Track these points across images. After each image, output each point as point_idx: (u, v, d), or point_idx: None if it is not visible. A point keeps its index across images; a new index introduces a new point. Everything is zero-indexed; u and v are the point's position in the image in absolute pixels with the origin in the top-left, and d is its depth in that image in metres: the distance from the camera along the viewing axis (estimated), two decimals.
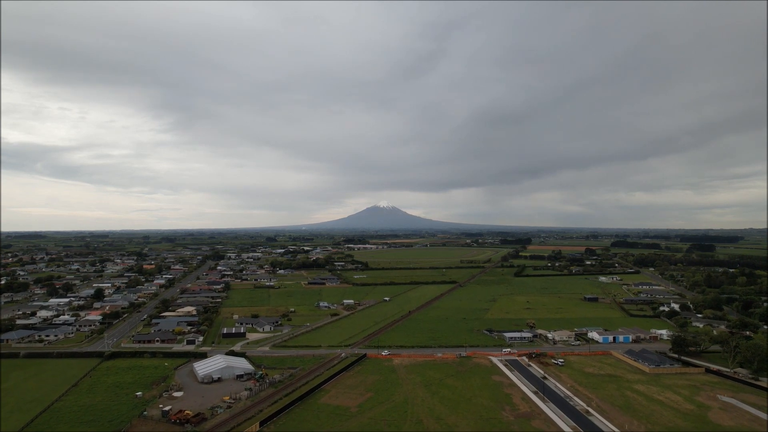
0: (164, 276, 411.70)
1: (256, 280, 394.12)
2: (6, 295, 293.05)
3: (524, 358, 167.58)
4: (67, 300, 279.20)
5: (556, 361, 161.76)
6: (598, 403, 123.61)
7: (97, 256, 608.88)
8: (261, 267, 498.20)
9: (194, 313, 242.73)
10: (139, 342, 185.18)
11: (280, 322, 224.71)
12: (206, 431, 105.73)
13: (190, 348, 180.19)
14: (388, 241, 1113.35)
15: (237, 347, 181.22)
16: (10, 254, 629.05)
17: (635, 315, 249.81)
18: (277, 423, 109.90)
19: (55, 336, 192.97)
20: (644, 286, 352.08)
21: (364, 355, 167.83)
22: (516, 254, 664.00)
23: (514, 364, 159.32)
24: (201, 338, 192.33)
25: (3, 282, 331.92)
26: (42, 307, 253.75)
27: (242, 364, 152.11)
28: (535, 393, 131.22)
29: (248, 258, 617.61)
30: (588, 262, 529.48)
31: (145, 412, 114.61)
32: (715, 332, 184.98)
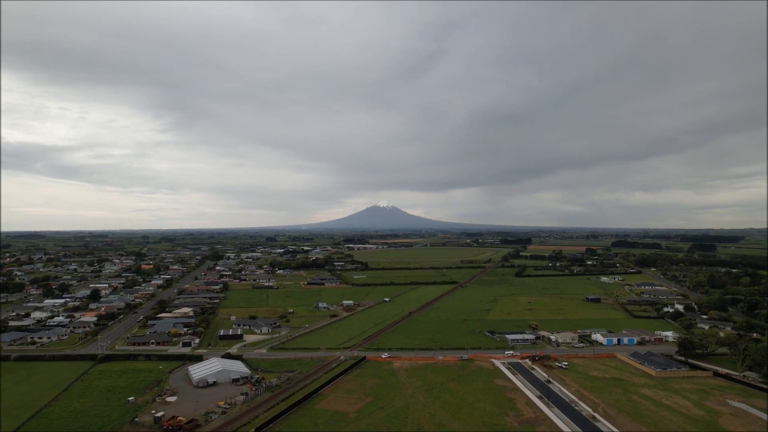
0: (162, 276, 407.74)
1: (254, 280, 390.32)
2: (1, 295, 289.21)
3: (527, 360, 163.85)
4: (62, 301, 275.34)
5: (559, 364, 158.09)
6: (605, 408, 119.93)
7: (96, 256, 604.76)
8: (260, 267, 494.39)
9: (191, 314, 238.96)
10: (134, 344, 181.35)
11: (278, 324, 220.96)
12: None
13: (186, 350, 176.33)
14: (388, 241, 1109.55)
15: (233, 350, 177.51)
16: (8, 254, 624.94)
17: (639, 316, 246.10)
18: (273, 429, 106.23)
19: (48, 338, 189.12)
20: (647, 287, 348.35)
21: (364, 357, 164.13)
22: (516, 254, 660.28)
23: (516, 367, 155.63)
24: (197, 340, 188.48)
25: None
26: (36, 308, 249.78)
27: (238, 368, 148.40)
28: (540, 397, 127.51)
29: (247, 258, 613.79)
30: (589, 262, 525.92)
31: (136, 418, 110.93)
32: (722, 334, 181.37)
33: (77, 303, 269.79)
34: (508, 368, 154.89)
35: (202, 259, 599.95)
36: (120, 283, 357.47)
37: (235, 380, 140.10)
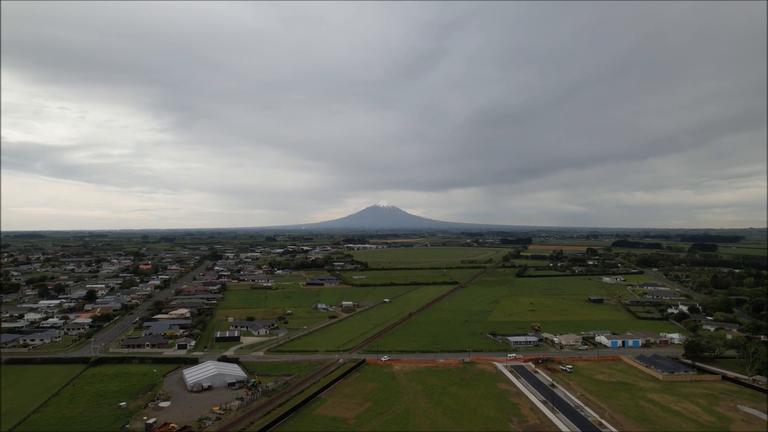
0: (160, 276, 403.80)
1: (253, 280, 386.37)
2: None
3: (530, 363, 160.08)
4: (57, 302, 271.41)
5: (564, 367, 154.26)
6: (612, 413, 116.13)
7: (94, 256, 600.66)
8: (259, 267, 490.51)
9: (188, 315, 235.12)
10: (128, 346, 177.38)
11: (276, 325, 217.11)
12: None
13: (182, 353, 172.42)
14: (388, 241, 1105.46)
15: (230, 352, 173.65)
16: (6, 254, 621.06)
17: (643, 317, 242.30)
18: None
19: (41, 340, 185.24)
20: (649, 287, 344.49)
21: (363, 360, 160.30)
22: (517, 254, 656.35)
23: (520, 371, 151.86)
24: (193, 342, 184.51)
25: None
26: (31, 310, 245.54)
27: (234, 371, 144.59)
28: (544, 402, 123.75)
29: (246, 258, 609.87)
30: (590, 263, 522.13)
31: (127, 425, 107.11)
32: (729, 336, 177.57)
33: (72, 304, 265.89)
34: (511, 371, 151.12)
35: (200, 259, 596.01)
36: (117, 284, 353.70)
37: (231, 384, 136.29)
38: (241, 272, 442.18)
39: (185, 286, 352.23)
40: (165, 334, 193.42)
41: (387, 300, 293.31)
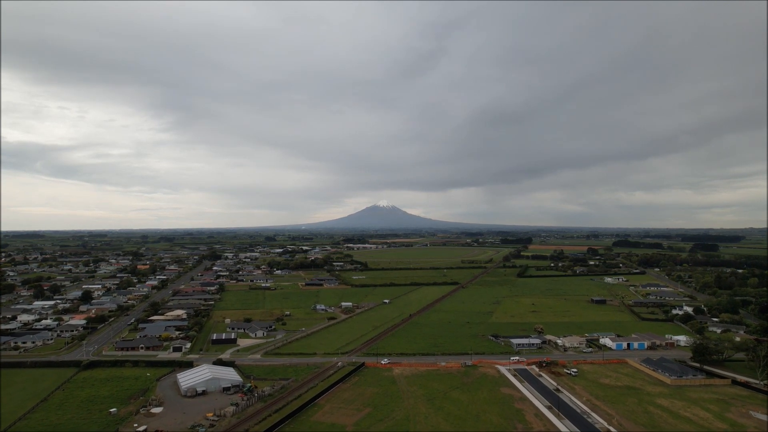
0: (158, 277, 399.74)
1: (252, 281, 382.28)
2: None
3: (534, 367, 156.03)
4: (52, 303, 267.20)
5: (568, 371, 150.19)
6: (620, 420, 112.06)
7: (92, 256, 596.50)
8: (258, 267, 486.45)
9: (184, 316, 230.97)
10: (122, 349, 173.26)
11: (273, 327, 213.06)
12: None
13: (176, 356, 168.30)
14: (388, 241, 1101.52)
15: (226, 355, 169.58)
16: (3, 254, 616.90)
17: (647, 319, 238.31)
18: None
19: (33, 343, 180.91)
20: (652, 288, 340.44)
21: (362, 364, 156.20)
22: (518, 254, 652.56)
23: (523, 374, 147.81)
24: (188, 345, 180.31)
25: None
26: (24, 311, 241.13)
27: (230, 375, 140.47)
28: (549, 408, 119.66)
29: (245, 258, 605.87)
30: (591, 262, 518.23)
31: None
32: (737, 339, 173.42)
33: (67, 305, 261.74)
34: (515, 375, 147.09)
35: (199, 259, 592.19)
36: (114, 284, 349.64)
37: (226, 389, 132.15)
38: (240, 272, 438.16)
39: (183, 286, 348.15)
40: (160, 336, 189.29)
41: (387, 301, 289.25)
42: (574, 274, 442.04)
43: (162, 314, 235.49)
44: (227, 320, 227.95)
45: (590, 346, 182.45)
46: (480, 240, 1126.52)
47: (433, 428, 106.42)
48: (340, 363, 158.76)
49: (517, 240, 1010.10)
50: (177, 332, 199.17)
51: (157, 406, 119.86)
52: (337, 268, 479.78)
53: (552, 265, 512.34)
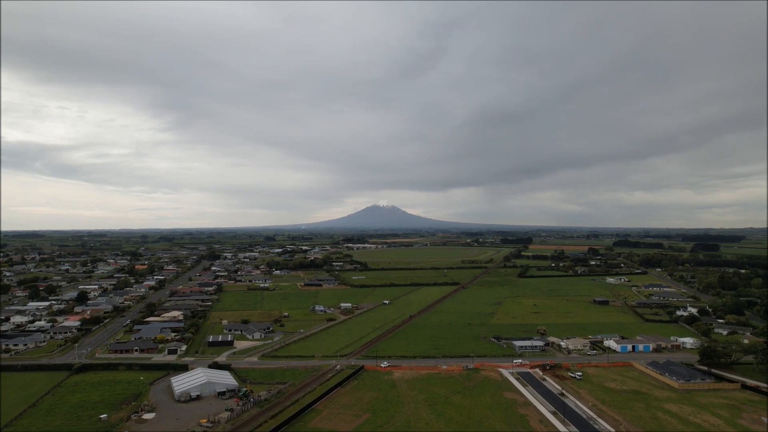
0: (155, 277, 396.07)
1: (250, 281, 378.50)
2: None
3: (537, 370, 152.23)
4: (47, 304, 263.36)
5: (573, 374, 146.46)
6: (627, 426, 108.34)
7: (91, 256, 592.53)
8: (257, 267, 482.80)
9: (180, 318, 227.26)
10: (116, 352, 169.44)
11: (271, 329, 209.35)
12: None
13: (171, 359, 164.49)
14: (388, 241, 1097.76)
15: (222, 357, 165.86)
16: (1, 254, 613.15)
17: (650, 320, 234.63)
18: None
19: (25, 345, 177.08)
20: (655, 288, 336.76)
21: (362, 367, 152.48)
22: (518, 254, 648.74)
23: (526, 378, 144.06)
24: (184, 347, 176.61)
25: None
26: (18, 312, 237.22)
27: (225, 379, 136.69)
28: (554, 413, 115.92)
29: (245, 258, 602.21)
30: (593, 263, 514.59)
31: None
32: (745, 341, 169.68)
33: (62, 306, 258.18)
34: (518, 379, 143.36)
35: (198, 259, 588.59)
36: (111, 285, 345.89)
37: (221, 393, 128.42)
38: (239, 272, 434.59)
39: (180, 287, 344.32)
40: (155, 338, 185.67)
41: (387, 301, 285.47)
42: (575, 274, 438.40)
43: (158, 315, 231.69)
44: (224, 322, 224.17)
45: (594, 349, 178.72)
46: (480, 240, 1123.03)
47: None
48: (338, 366, 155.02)
49: (517, 240, 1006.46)
50: (173, 334, 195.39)
51: (149, 411, 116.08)
52: (337, 268, 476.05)
53: (553, 265, 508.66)
